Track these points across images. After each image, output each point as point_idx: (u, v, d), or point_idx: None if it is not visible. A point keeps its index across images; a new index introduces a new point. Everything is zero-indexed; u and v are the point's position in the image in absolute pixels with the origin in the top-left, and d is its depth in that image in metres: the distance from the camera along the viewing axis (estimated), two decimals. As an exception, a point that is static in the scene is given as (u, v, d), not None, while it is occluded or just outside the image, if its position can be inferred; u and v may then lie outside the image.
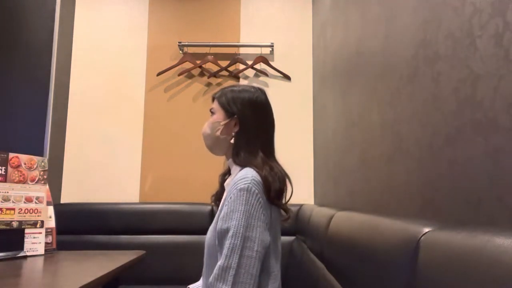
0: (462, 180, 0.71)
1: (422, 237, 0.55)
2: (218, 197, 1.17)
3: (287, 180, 1.02)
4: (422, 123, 0.88)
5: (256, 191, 0.92)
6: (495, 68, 0.62)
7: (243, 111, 1.06)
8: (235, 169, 1.06)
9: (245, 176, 0.93)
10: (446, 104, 0.78)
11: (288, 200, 1.03)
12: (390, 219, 0.73)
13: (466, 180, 0.70)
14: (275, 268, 1.02)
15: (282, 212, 1.02)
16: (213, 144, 1.11)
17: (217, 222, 0.98)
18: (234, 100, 1.08)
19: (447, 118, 0.77)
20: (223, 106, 1.09)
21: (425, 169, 0.86)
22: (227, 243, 0.88)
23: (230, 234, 0.88)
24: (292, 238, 1.81)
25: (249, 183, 0.92)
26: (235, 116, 1.06)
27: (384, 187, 1.13)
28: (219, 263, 0.88)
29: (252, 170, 0.96)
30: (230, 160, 1.08)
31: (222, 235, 0.91)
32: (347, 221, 1.00)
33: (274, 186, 0.95)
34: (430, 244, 0.52)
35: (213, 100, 1.14)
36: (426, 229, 0.56)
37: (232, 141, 1.07)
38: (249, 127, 1.05)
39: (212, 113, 1.12)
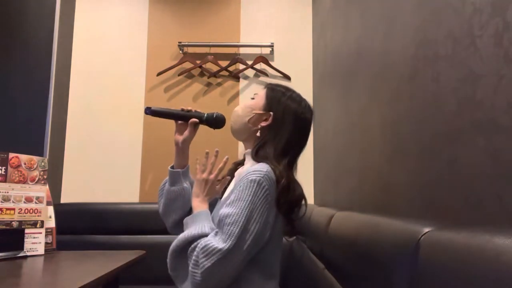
0: (462, 180, 0.71)
1: (422, 237, 0.55)
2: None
3: (302, 201, 1.01)
4: (422, 123, 0.88)
5: (266, 186, 0.91)
6: (495, 68, 0.62)
7: (283, 116, 1.04)
8: (250, 160, 1.05)
9: (259, 169, 0.93)
10: (446, 104, 0.78)
11: (299, 218, 1.02)
12: (390, 219, 0.73)
13: (466, 180, 0.70)
14: (275, 268, 1.02)
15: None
16: (237, 127, 1.10)
17: (221, 207, 0.98)
18: (279, 101, 1.06)
19: (447, 118, 0.77)
20: (267, 98, 1.08)
21: (425, 169, 0.86)
22: (225, 229, 0.88)
23: (230, 220, 0.88)
24: (292, 238, 1.81)
25: (262, 176, 0.91)
26: (271, 113, 1.05)
27: (384, 187, 1.13)
28: (213, 241, 0.87)
29: (268, 166, 0.95)
30: (248, 151, 1.07)
31: (222, 218, 0.91)
32: (347, 221, 1.00)
33: (285, 194, 0.94)
34: (430, 244, 0.52)
35: (264, 87, 1.12)
36: (426, 229, 0.56)
37: (258, 134, 1.05)
38: (282, 134, 1.03)
39: (253, 98, 1.11)
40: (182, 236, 0.95)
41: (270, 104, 1.06)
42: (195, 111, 1.17)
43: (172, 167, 1.18)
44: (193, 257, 0.88)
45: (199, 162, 1.09)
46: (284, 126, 1.04)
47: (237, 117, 1.10)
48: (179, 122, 1.17)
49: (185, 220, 1.02)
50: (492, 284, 0.38)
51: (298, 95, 1.10)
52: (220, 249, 0.85)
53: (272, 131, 1.04)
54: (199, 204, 1.04)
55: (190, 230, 0.94)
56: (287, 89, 1.11)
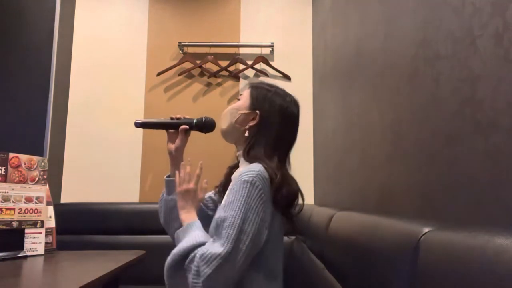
0: (462, 180, 0.71)
1: (422, 237, 0.55)
2: (222, 188, 1.17)
3: (299, 195, 1.00)
4: (422, 123, 0.88)
5: (260, 186, 0.91)
6: (495, 68, 0.62)
7: (269, 113, 1.04)
8: (243, 162, 1.05)
9: (252, 169, 0.93)
10: (446, 104, 0.78)
11: (297, 214, 1.01)
12: (390, 219, 0.73)
13: (466, 180, 0.70)
14: (277, 269, 1.01)
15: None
16: (226, 129, 1.10)
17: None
18: (264, 98, 1.06)
19: (447, 118, 0.77)
20: (252, 97, 1.08)
21: (425, 169, 0.86)
22: (223, 233, 0.87)
23: (227, 223, 0.88)
24: (292, 238, 1.81)
25: (254, 176, 0.91)
26: (257, 111, 1.05)
27: (384, 187, 1.13)
28: (210, 248, 0.86)
29: (260, 165, 0.94)
30: (240, 152, 1.07)
31: (218, 223, 0.90)
32: (347, 221, 0.99)
33: (280, 191, 0.94)
34: (430, 244, 0.52)
35: (248, 87, 1.12)
36: (426, 229, 0.56)
37: (246, 134, 1.05)
38: (270, 132, 1.03)
39: (239, 99, 1.11)
40: (176, 250, 0.92)
41: (255, 103, 1.06)
42: (184, 118, 1.17)
43: (169, 176, 1.18)
44: (193, 268, 0.86)
45: (176, 176, 1.09)
46: (271, 122, 1.04)
47: (225, 120, 1.10)
48: (170, 130, 1.17)
49: (176, 234, 1.00)
50: (492, 284, 0.38)
51: (283, 90, 1.10)
52: (219, 254, 0.84)
53: (260, 129, 1.04)
54: (187, 216, 1.03)
55: (183, 243, 0.92)
56: (271, 85, 1.10)
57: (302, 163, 2.34)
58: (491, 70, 0.63)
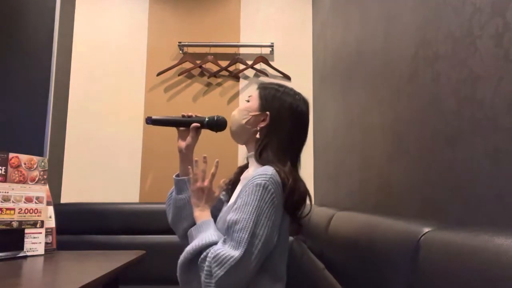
0: (462, 180, 0.71)
1: (422, 237, 0.55)
2: (231, 186, 1.17)
3: (307, 198, 1.01)
4: (422, 123, 0.88)
5: (272, 189, 0.91)
6: (495, 68, 0.62)
7: (280, 113, 1.04)
8: (253, 163, 1.05)
9: (264, 173, 0.92)
10: (446, 104, 0.78)
11: (305, 216, 1.02)
12: (390, 219, 0.73)
13: (466, 180, 0.70)
14: (282, 271, 1.01)
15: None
16: (236, 131, 1.10)
17: (228, 212, 0.98)
18: (274, 98, 1.06)
19: (447, 118, 0.77)
20: (261, 98, 1.08)
21: (425, 169, 0.86)
22: (235, 236, 0.88)
23: (239, 227, 0.88)
24: (292, 238, 1.81)
25: (267, 180, 0.91)
26: (267, 112, 1.05)
27: (384, 187, 1.12)
28: (223, 249, 0.87)
29: (272, 169, 0.94)
30: (251, 153, 1.07)
31: (230, 225, 0.90)
32: (347, 221, 1.00)
33: (291, 196, 0.94)
34: (430, 244, 0.52)
35: (257, 88, 1.12)
36: (426, 229, 0.56)
37: (257, 135, 1.05)
38: (281, 131, 1.03)
39: (248, 101, 1.11)
40: (189, 248, 0.93)
41: (265, 103, 1.06)
42: (196, 116, 1.16)
43: (178, 175, 1.17)
44: (205, 267, 0.87)
45: (190, 172, 1.08)
46: (282, 123, 1.04)
47: (235, 121, 1.09)
48: (181, 128, 1.16)
49: (189, 232, 1.01)
50: (492, 284, 0.38)
51: (292, 89, 1.10)
52: (232, 257, 0.85)
53: (271, 130, 1.04)
54: (201, 214, 1.03)
55: (197, 241, 0.93)
56: (280, 85, 1.10)
57: (302, 163, 2.33)
58: (491, 70, 0.63)
